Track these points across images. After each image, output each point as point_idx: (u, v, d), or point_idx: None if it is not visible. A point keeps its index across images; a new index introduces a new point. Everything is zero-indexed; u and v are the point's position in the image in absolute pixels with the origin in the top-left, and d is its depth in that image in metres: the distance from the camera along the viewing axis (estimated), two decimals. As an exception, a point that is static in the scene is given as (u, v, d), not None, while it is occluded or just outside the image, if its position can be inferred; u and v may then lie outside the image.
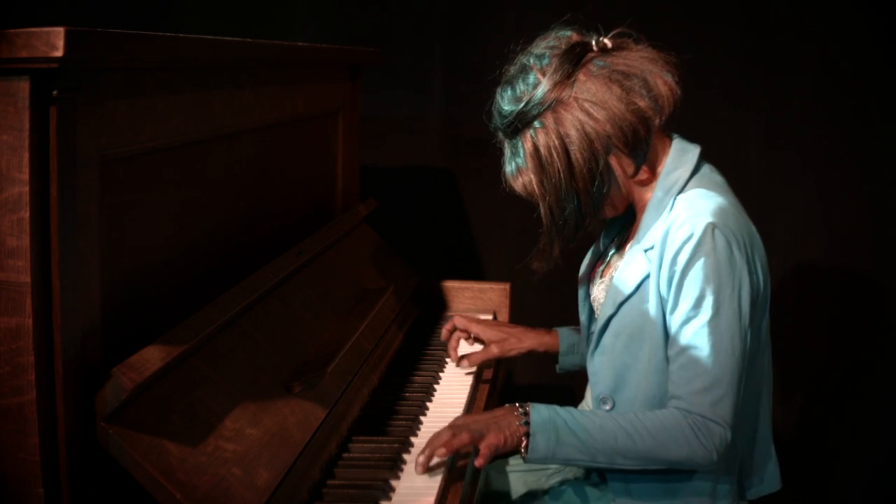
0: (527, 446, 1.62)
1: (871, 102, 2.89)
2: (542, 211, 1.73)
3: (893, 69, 2.86)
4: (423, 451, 1.61)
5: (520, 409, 1.65)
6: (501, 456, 1.69)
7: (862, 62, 2.88)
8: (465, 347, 2.17)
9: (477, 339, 2.13)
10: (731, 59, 2.94)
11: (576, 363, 2.07)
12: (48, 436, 1.24)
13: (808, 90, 2.92)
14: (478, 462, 1.60)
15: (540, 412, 1.63)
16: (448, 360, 2.16)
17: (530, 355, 2.11)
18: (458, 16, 3.06)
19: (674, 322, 1.65)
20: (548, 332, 2.09)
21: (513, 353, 2.08)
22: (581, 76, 1.67)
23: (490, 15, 3.03)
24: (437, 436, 1.63)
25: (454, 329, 2.14)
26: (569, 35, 1.74)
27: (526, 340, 2.08)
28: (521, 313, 2.86)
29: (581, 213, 1.72)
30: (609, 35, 1.72)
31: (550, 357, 2.11)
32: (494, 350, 2.07)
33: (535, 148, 1.69)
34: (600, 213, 1.77)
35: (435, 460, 1.61)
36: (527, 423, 1.62)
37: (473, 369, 2.09)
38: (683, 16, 2.93)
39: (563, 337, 2.08)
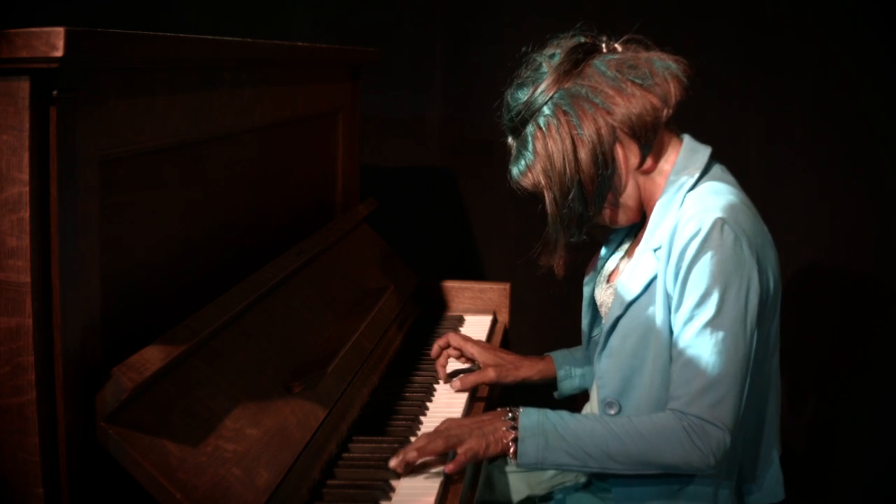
0: (515, 451, 1.60)
1: (871, 102, 2.89)
2: (546, 202, 1.72)
3: (893, 69, 2.86)
4: (396, 455, 1.59)
5: (509, 415, 1.63)
6: (490, 460, 1.67)
7: (862, 62, 2.88)
8: (454, 364, 2.09)
9: (471, 361, 2.05)
10: (731, 59, 2.94)
11: (574, 387, 2.03)
12: (48, 436, 1.24)
13: (809, 90, 2.92)
14: (447, 468, 1.58)
15: (529, 416, 1.61)
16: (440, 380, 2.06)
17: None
18: (458, 16, 3.06)
19: (677, 320, 1.62)
20: (541, 360, 2.03)
21: (508, 379, 1.99)
22: (588, 68, 1.69)
23: (490, 15, 3.03)
24: (415, 440, 1.62)
25: (447, 345, 2.05)
26: (580, 39, 1.75)
27: (522, 369, 2.00)
28: (521, 313, 2.86)
29: (585, 204, 1.71)
30: (620, 41, 1.74)
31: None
32: (491, 374, 1.97)
33: (543, 137, 1.69)
34: (603, 206, 1.75)
35: (400, 461, 1.58)
36: (514, 428, 1.61)
37: (465, 392, 1.98)
38: (683, 16, 2.93)
39: (559, 362, 2.02)
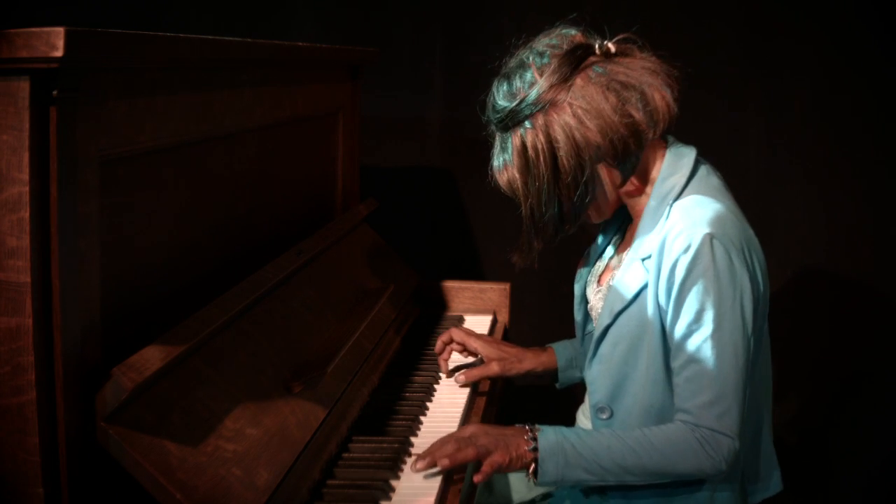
0: (535, 471, 1.62)
1: (870, 103, 2.89)
2: (523, 210, 1.72)
3: (893, 69, 2.86)
4: (425, 455, 1.61)
5: (529, 434, 1.64)
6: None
7: (862, 62, 2.88)
8: (458, 358, 2.12)
9: (474, 355, 2.08)
10: (731, 60, 2.94)
11: (575, 377, 2.05)
12: (48, 436, 1.24)
13: (808, 91, 2.92)
14: (476, 478, 1.61)
15: (548, 437, 1.63)
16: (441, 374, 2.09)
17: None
18: (458, 16, 3.06)
19: (676, 335, 1.63)
20: (543, 351, 2.06)
21: (512, 372, 2.03)
22: (578, 81, 1.64)
23: (490, 15, 3.03)
24: (441, 444, 1.62)
25: (450, 341, 2.07)
26: (573, 35, 1.70)
27: (525, 361, 2.03)
28: (521, 313, 2.86)
29: (561, 219, 1.71)
30: (614, 40, 1.69)
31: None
32: (495, 368, 2.01)
33: (524, 147, 1.67)
34: (582, 219, 1.75)
35: (435, 469, 1.61)
36: (535, 449, 1.62)
37: (468, 386, 2.03)
38: (683, 16, 2.93)
39: (560, 353, 2.05)
